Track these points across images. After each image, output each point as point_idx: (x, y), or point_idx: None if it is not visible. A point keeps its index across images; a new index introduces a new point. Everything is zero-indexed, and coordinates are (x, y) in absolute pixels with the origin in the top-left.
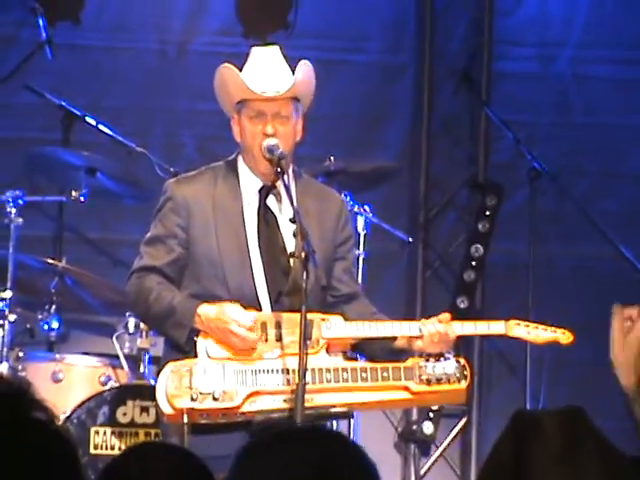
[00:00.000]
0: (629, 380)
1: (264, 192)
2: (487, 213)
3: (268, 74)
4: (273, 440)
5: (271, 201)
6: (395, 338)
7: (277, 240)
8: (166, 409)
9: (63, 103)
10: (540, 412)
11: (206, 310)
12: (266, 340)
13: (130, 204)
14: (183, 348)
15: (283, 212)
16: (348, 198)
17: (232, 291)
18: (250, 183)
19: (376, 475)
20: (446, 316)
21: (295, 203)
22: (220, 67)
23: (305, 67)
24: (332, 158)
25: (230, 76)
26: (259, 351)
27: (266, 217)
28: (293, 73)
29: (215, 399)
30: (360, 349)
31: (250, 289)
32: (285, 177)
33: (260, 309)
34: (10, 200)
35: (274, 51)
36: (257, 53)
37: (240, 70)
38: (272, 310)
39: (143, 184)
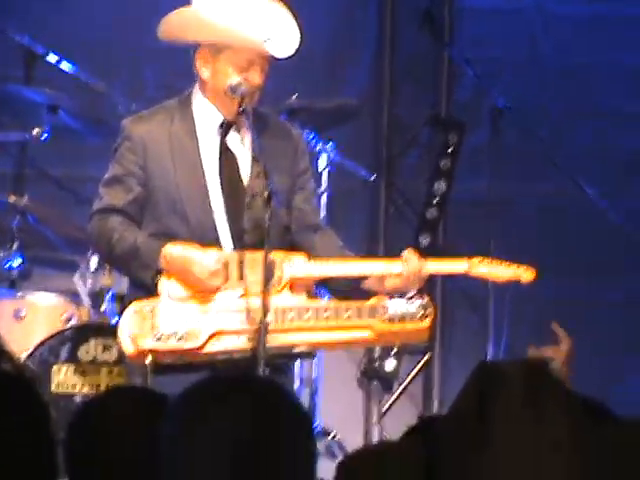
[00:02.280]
0: None
1: (225, 127)
2: (449, 150)
3: (277, 31)
4: (209, 390)
5: (231, 138)
6: (362, 277)
7: (237, 177)
8: (129, 349)
9: (24, 40)
10: (503, 364)
11: (170, 250)
12: (228, 279)
13: (93, 142)
14: (148, 287)
15: (243, 149)
16: (312, 136)
17: (193, 228)
18: (208, 118)
19: (310, 427)
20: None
21: (256, 141)
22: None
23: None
24: (295, 96)
25: (203, 16)
26: (221, 290)
27: (226, 154)
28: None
29: (179, 339)
30: (325, 285)
31: (211, 226)
32: (250, 118)
33: (221, 247)
34: None
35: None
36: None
37: None
38: (233, 248)
39: (105, 121)
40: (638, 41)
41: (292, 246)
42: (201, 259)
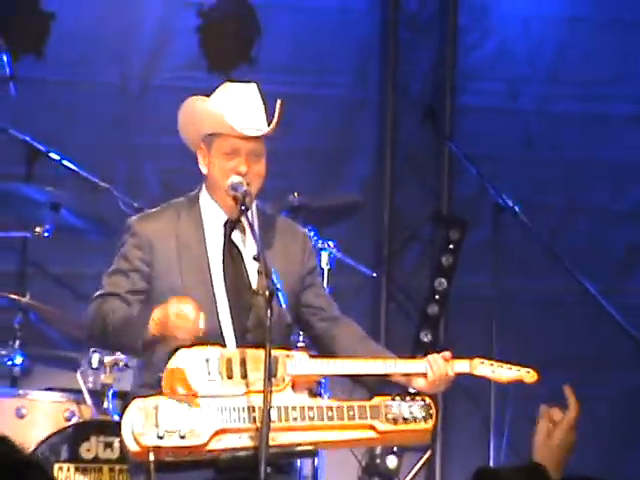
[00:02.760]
0: (554, 477)
1: (229, 226)
2: (451, 247)
3: (249, 111)
4: None
5: (236, 236)
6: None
7: (242, 276)
8: (132, 447)
9: (27, 138)
10: (501, 470)
11: (156, 311)
12: (231, 377)
13: (94, 239)
14: (139, 355)
15: (247, 247)
16: (312, 233)
17: None
18: (214, 216)
19: None
20: (447, 354)
21: (258, 240)
22: (191, 98)
23: (281, 107)
24: (296, 194)
25: (203, 108)
26: (225, 388)
27: (231, 252)
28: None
29: (181, 437)
30: (354, 380)
31: (214, 325)
32: (249, 214)
33: (224, 346)
34: None
35: (252, 88)
36: (234, 89)
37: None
38: (237, 347)
39: (107, 220)
40: (632, 140)
41: (314, 341)
42: (177, 301)
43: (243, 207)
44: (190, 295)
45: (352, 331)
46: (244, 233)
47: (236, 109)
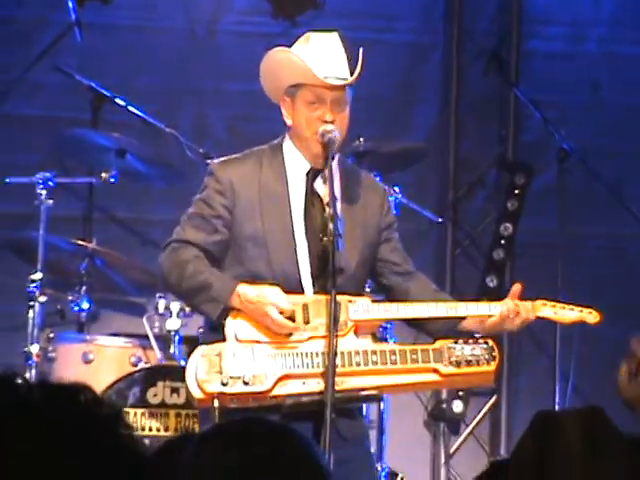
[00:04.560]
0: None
1: (311, 175)
2: (516, 192)
3: (332, 61)
4: (223, 433)
5: (318, 184)
6: (460, 318)
7: (321, 223)
8: (196, 394)
9: (92, 84)
10: (560, 413)
11: (245, 290)
12: (294, 322)
13: (159, 185)
14: (215, 324)
15: (328, 195)
16: (377, 178)
17: (276, 273)
18: (297, 166)
19: (326, 476)
20: (517, 286)
21: (336, 190)
22: (273, 49)
23: (363, 56)
24: (361, 139)
25: (287, 59)
26: (288, 334)
27: (313, 200)
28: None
29: (245, 383)
30: (422, 329)
31: (294, 271)
32: (334, 162)
33: (302, 291)
34: (40, 181)
35: (334, 38)
36: (317, 39)
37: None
38: (314, 291)
39: (172, 165)
40: None
41: (388, 294)
42: (277, 301)
43: (331, 155)
44: (271, 238)
45: (424, 285)
46: (325, 182)
47: (320, 59)
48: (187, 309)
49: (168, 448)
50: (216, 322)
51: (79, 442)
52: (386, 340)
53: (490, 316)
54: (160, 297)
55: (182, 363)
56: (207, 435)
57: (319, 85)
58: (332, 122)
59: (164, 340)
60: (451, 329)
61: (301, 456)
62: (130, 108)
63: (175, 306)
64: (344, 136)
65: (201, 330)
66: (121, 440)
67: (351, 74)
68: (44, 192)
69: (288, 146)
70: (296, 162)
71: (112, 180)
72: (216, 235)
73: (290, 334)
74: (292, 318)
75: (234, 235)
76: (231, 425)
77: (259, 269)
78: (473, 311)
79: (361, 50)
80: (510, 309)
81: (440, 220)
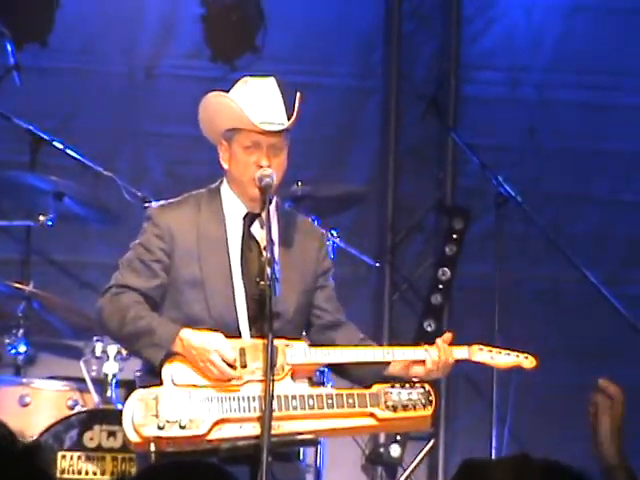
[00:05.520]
0: (609, 453)
1: (248, 219)
2: (454, 237)
3: (269, 106)
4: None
5: (255, 228)
6: (386, 364)
7: (258, 267)
8: (133, 438)
9: (30, 127)
10: (487, 462)
11: (189, 336)
12: (231, 367)
13: (97, 228)
14: (153, 368)
15: (265, 239)
16: (315, 222)
17: (214, 317)
18: (234, 210)
19: None
20: (448, 336)
21: (274, 234)
22: (210, 93)
23: (300, 100)
24: (299, 183)
25: (223, 104)
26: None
27: (250, 244)
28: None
29: (182, 427)
30: (349, 377)
31: (231, 315)
32: (271, 206)
33: (240, 335)
34: None
35: (271, 83)
36: (254, 83)
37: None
38: (251, 335)
39: (110, 208)
40: (635, 129)
41: (313, 344)
42: (220, 348)
43: (269, 199)
44: (209, 283)
45: (351, 334)
46: (262, 226)
47: (256, 104)
48: (124, 352)
49: None
50: (158, 368)
51: None
52: (323, 384)
53: (422, 361)
54: (97, 340)
55: (119, 407)
56: (142, 477)
57: (255, 131)
58: (268, 167)
59: (101, 383)
60: (379, 376)
61: None
62: (68, 151)
63: (112, 349)
64: (281, 180)
65: (138, 374)
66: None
67: (288, 119)
68: None
69: (225, 190)
70: (233, 206)
71: (49, 223)
72: (155, 279)
73: (228, 379)
74: (232, 365)
75: (172, 279)
76: (165, 467)
77: (197, 313)
78: (410, 355)
79: (298, 95)
80: (433, 360)
81: (378, 264)
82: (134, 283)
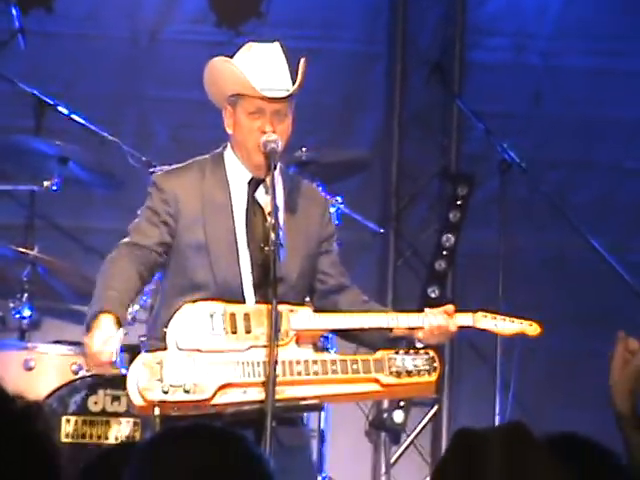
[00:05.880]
0: (623, 406)
1: (253, 185)
2: (458, 203)
3: (273, 72)
4: (175, 436)
5: (260, 194)
6: (382, 328)
7: (263, 232)
8: (137, 402)
9: (35, 91)
10: (481, 432)
11: (97, 320)
12: (235, 332)
13: (102, 193)
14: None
15: (270, 205)
16: (320, 188)
17: (218, 281)
18: (238, 175)
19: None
20: (450, 307)
21: (278, 199)
22: (215, 59)
23: (304, 66)
24: (304, 149)
25: (227, 69)
26: (229, 343)
27: (254, 210)
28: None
29: (186, 391)
30: (354, 339)
31: (236, 280)
32: (276, 172)
33: (244, 300)
34: None
35: (276, 48)
36: (258, 49)
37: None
38: (255, 301)
39: (115, 173)
40: (627, 95)
41: (317, 308)
42: (90, 338)
43: (272, 164)
44: (214, 248)
45: (354, 297)
46: (267, 192)
47: (260, 70)
48: (129, 317)
49: (107, 457)
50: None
51: None
52: (327, 350)
53: (423, 327)
54: None
55: (123, 371)
56: (156, 440)
57: (258, 97)
58: (273, 132)
59: None
60: (384, 338)
61: (252, 457)
62: (73, 116)
63: None
64: (286, 146)
65: (142, 338)
66: (33, 436)
67: (292, 84)
68: None
69: (229, 155)
70: (237, 171)
71: (54, 188)
72: (161, 237)
73: (230, 343)
74: (234, 328)
75: (177, 244)
76: (180, 430)
77: (201, 278)
78: (415, 322)
79: (302, 60)
80: (433, 325)
81: (382, 230)
82: (139, 240)
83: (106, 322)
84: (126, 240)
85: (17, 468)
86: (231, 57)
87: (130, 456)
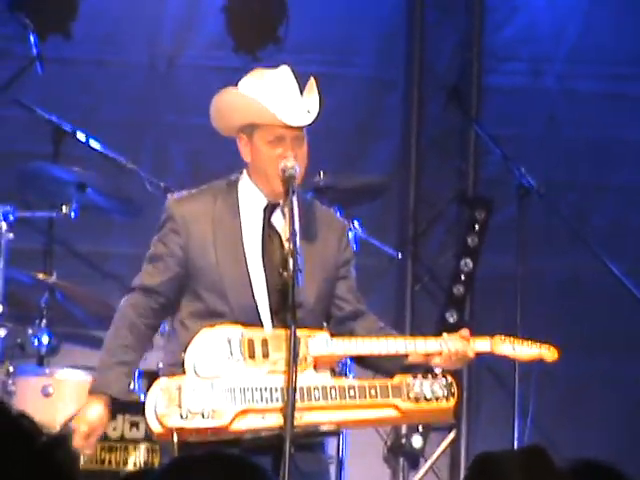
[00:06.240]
0: None
1: (269, 210)
2: (476, 227)
3: (288, 99)
4: (187, 466)
5: (276, 219)
6: (398, 355)
7: (280, 258)
8: (155, 428)
9: (53, 118)
10: (500, 455)
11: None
12: (253, 357)
13: (120, 219)
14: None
15: (287, 231)
16: (337, 213)
17: (233, 307)
18: (253, 201)
19: None
20: (465, 332)
21: (296, 224)
22: (225, 89)
23: (316, 87)
24: (322, 173)
25: (241, 98)
26: (247, 369)
27: (271, 235)
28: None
29: (204, 417)
30: (371, 367)
31: (251, 305)
32: (294, 197)
33: (261, 324)
34: (1, 215)
35: (287, 73)
36: (270, 76)
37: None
38: (273, 325)
39: (133, 199)
40: None
41: (333, 334)
42: (80, 418)
43: (291, 190)
44: (225, 273)
45: (370, 324)
46: (284, 216)
47: (276, 98)
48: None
49: None
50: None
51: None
52: (345, 375)
53: (440, 353)
54: None
55: (142, 397)
56: (169, 469)
57: (279, 125)
58: (293, 158)
59: None
60: (400, 365)
61: None
62: (91, 142)
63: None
64: (305, 171)
65: (160, 365)
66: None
67: (307, 109)
68: (4, 225)
69: (244, 183)
70: (252, 198)
71: (72, 214)
72: (170, 273)
73: (248, 369)
74: (252, 353)
75: (190, 272)
76: (193, 458)
77: (216, 304)
78: (432, 347)
79: (313, 81)
80: (451, 350)
81: (400, 255)
82: (150, 283)
83: (95, 409)
84: (142, 284)
85: None
86: (236, 84)
87: None
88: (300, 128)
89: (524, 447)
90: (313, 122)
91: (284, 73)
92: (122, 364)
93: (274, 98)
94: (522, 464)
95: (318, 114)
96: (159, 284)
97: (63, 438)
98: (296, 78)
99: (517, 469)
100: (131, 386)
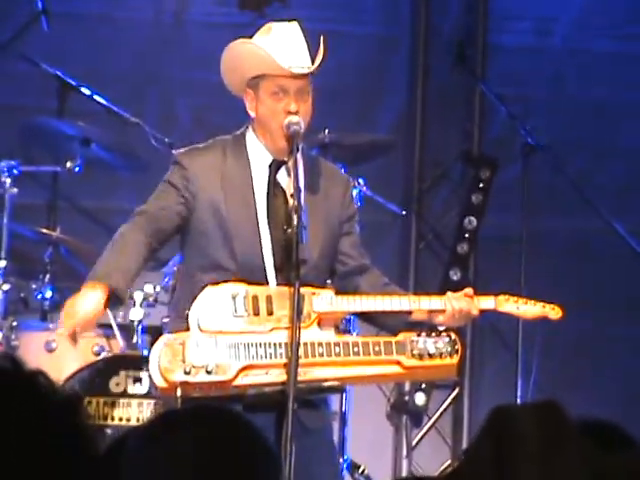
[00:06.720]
0: None
1: (274, 167)
2: (481, 186)
3: (295, 50)
4: (161, 426)
5: (281, 176)
6: (402, 311)
7: (284, 214)
8: (159, 382)
9: (58, 73)
10: (515, 409)
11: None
12: (257, 314)
13: (124, 175)
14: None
15: (291, 187)
16: (342, 170)
17: (240, 262)
18: (260, 157)
19: (271, 459)
20: (469, 291)
21: (300, 181)
22: (234, 42)
23: (325, 43)
24: (327, 130)
25: (249, 50)
26: (251, 325)
27: (275, 192)
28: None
29: (208, 372)
30: (374, 323)
31: (258, 262)
32: (298, 154)
33: (266, 280)
34: (5, 170)
35: (295, 27)
36: (278, 29)
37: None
38: (277, 282)
39: (138, 155)
40: None
41: (338, 290)
42: (77, 298)
43: (295, 146)
44: (235, 228)
45: (375, 280)
46: (289, 174)
47: (282, 48)
48: (150, 299)
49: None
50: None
51: (33, 427)
52: (349, 332)
53: (444, 311)
54: None
55: (145, 353)
56: (156, 423)
57: (282, 75)
58: (296, 112)
59: (127, 330)
60: (404, 322)
61: (254, 438)
62: (96, 97)
63: (138, 296)
64: (308, 126)
65: (164, 320)
66: (78, 429)
67: (312, 62)
68: (8, 180)
69: (250, 137)
70: (259, 154)
71: (77, 169)
72: (177, 208)
73: (252, 324)
74: (256, 309)
75: (197, 223)
76: (179, 412)
77: (222, 258)
78: (436, 305)
79: (322, 38)
80: (455, 308)
81: (404, 213)
82: (148, 207)
83: (91, 295)
84: (141, 209)
85: (67, 462)
86: (249, 37)
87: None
88: (303, 79)
89: (539, 402)
90: (314, 72)
91: (292, 27)
92: (122, 264)
93: (279, 48)
94: (538, 419)
95: (320, 66)
96: (158, 209)
97: (79, 398)
98: (305, 35)
99: (533, 424)
100: (129, 292)
